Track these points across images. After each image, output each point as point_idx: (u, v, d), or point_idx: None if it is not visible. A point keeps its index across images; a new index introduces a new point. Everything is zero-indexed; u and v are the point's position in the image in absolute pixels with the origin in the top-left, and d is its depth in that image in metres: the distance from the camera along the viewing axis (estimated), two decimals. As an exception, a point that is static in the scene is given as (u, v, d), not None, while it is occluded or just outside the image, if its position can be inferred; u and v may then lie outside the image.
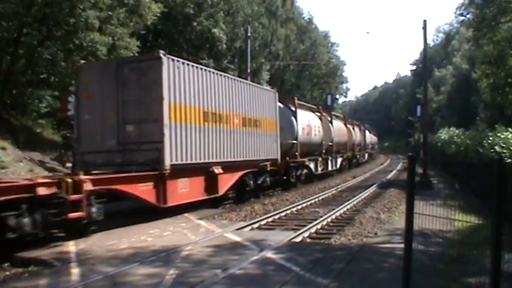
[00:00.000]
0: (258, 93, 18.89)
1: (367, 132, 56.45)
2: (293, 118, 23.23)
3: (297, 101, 24.24)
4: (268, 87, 22.20)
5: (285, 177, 21.70)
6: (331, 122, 31.15)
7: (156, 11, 25.55)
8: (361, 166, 44.95)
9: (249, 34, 29.80)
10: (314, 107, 30.33)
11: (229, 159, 16.02)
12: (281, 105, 22.24)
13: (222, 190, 15.54)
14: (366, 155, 53.93)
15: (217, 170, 15.17)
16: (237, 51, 38.64)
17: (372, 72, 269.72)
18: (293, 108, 23.61)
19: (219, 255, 8.53)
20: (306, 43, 59.11)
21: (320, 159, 27.64)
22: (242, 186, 17.48)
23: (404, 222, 5.40)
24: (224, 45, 34.84)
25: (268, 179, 19.15)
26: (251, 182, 17.91)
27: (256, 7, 41.77)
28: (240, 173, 17.03)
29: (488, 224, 4.90)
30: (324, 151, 28.39)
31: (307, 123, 25.37)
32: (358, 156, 45.07)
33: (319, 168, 27.50)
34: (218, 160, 15.32)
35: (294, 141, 23.00)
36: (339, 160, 33.45)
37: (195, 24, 32.80)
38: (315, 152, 27.10)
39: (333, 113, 33.49)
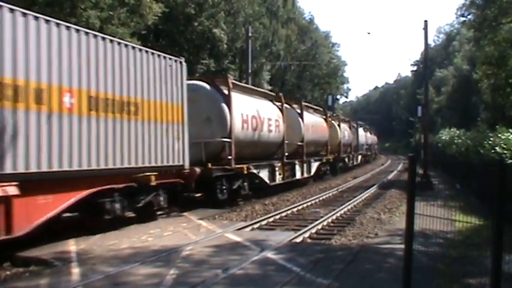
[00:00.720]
0: (136, 59, 11.64)
1: (360, 130, 49.30)
2: (224, 106, 16.24)
3: (232, 81, 17.09)
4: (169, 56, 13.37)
5: (199, 194, 14.74)
6: (301, 115, 24.28)
7: (157, 11, 25.59)
8: (352, 171, 37.88)
9: (249, 34, 29.79)
10: (272, 94, 23.40)
11: (42, 170, 8.97)
12: (207, 86, 16.52)
13: (21, 226, 8.44)
14: (359, 158, 45.66)
15: (2, 190, 8.09)
16: (237, 51, 38.63)
17: (372, 72, 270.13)
18: (225, 92, 16.55)
19: (219, 256, 8.53)
20: (307, 43, 59.02)
21: (279, 164, 20.57)
22: (98, 212, 10.63)
23: (404, 222, 5.40)
24: (225, 46, 34.83)
25: (161, 197, 12.47)
26: (116, 205, 10.91)
27: (257, 7, 41.71)
28: (80, 193, 9.86)
29: (489, 224, 4.91)
30: (286, 153, 21.26)
31: (254, 114, 18.40)
32: (346, 159, 37.38)
33: (278, 177, 20.45)
34: (7, 172, 8.32)
35: (226, 140, 16.03)
36: (315, 165, 26.32)
37: (196, 24, 32.82)
38: (272, 155, 20.71)
39: (304, 103, 26.14)
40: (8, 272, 7.89)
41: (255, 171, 18.12)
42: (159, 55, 12.64)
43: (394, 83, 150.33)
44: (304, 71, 60.29)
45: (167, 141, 12.70)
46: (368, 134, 58.63)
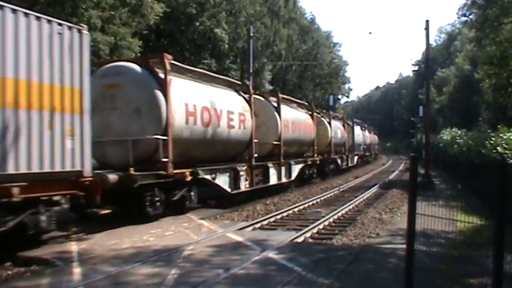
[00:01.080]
0: None
1: (357, 128, 44.94)
2: (158, 93, 12.44)
3: (170, 62, 13.05)
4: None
5: (105, 211, 10.66)
6: (277, 110, 20.61)
7: (159, 10, 25.63)
8: (346, 173, 33.88)
9: (251, 34, 29.78)
10: (236, 82, 19.26)
11: None
12: (136, 68, 12.73)
13: None
14: (355, 159, 40.93)
15: None
16: (239, 51, 38.63)
17: (374, 72, 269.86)
18: (161, 75, 12.80)
19: (221, 255, 8.54)
20: (308, 43, 59.07)
21: (245, 167, 17.03)
22: None
23: (406, 222, 5.40)
24: (226, 45, 34.83)
25: (42, 216, 8.98)
26: None
27: (258, 7, 41.74)
28: None
29: (491, 224, 4.91)
30: (255, 155, 17.71)
31: (207, 105, 14.60)
32: (339, 161, 33.26)
33: (243, 184, 16.88)
34: None
35: (160, 137, 12.25)
36: (297, 167, 22.62)
37: (197, 24, 32.82)
38: (237, 157, 17.53)
39: (283, 96, 22.18)
40: (9, 272, 7.90)
41: (207, 176, 14.53)
42: (38, 17, 8.96)
43: (396, 83, 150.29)
44: (306, 71, 60.31)
45: (51, 138, 9.01)
46: (366, 133, 53.95)
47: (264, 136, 19.17)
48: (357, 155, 42.02)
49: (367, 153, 51.61)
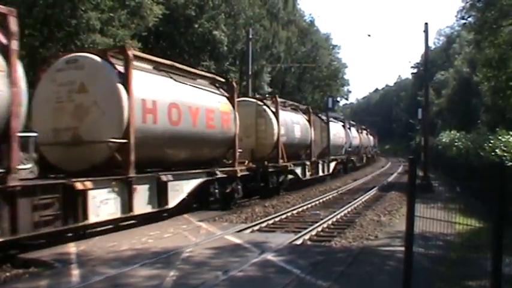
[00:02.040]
0: None
1: (336, 125, 33.80)
2: None
3: None
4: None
5: None
6: (123, 80, 11.07)
7: (158, 12, 25.64)
8: (315, 185, 25.29)
9: (250, 36, 29.82)
10: None
11: None
12: None
13: None
14: (332, 166, 30.40)
15: None
16: (238, 53, 38.68)
17: (373, 74, 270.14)
18: None
19: (219, 257, 8.53)
20: (307, 45, 59.14)
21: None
22: None
23: (404, 225, 5.41)
24: (225, 48, 34.87)
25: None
26: None
27: (257, 9, 41.82)
28: None
29: (489, 227, 4.92)
30: (28, 166, 10.81)
31: None
32: (299, 170, 23.49)
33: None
34: None
35: None
36: (185, 186, 13.15)
37: (196, 26, 32.86)
38: None
39: (138, 54, 12.62)
40: (7, 274, 7.88)
41: None
42: None
43: (395, 85, 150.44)
44: (305, 73, 60.28)
45: None
46: (353, 132, 42.46)
47: (94, 129, 10.88)
48: (334, 160, 31.37)
49: (352, 158, 40.02)
